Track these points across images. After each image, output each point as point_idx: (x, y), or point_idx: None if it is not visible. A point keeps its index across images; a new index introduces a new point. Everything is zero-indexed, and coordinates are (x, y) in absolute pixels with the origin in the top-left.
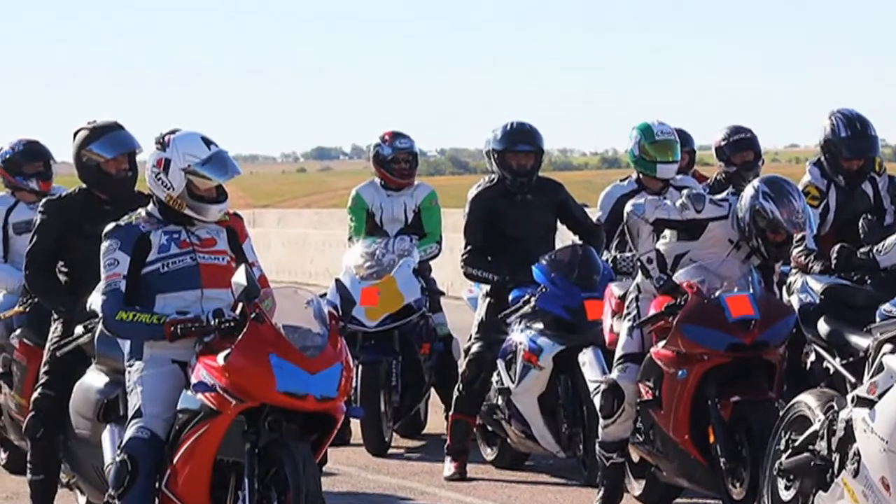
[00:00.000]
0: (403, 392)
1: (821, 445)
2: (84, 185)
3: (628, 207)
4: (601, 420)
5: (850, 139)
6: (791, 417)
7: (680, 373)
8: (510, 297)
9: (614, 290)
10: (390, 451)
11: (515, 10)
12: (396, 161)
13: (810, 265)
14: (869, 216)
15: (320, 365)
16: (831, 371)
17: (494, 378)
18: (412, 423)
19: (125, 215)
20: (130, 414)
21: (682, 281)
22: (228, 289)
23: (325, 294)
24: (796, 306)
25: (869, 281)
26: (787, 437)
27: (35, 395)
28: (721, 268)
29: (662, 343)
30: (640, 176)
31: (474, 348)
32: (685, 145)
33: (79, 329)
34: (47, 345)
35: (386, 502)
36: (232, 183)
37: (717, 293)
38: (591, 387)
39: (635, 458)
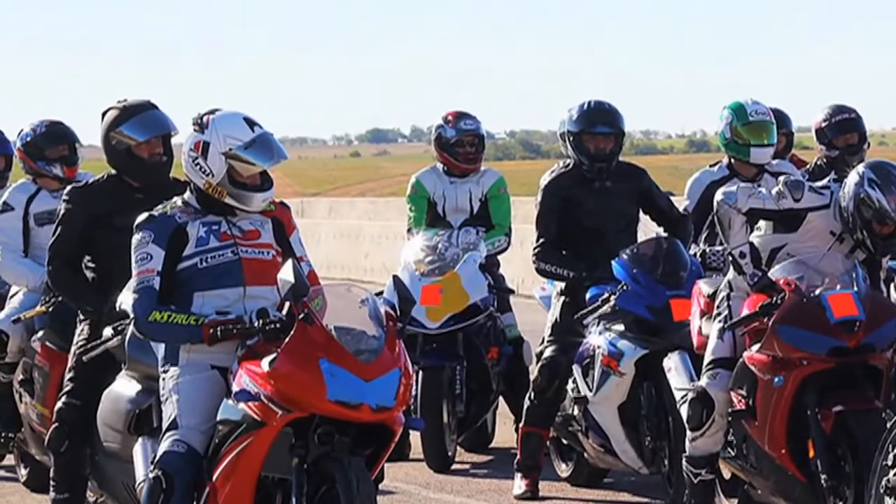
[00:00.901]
0: (468, 401)
1: None
2: (113, 171)
3: (719, 196)
4: (688, 432)
5: None
6: None
7: (776, 380)
8: (587, 296)
9: (703, 287)
10: (454, 466)
11: None
12: (461, 144)
13: None
14: None
15: (376, 371)
16: None
17: (570, 385)
18: (478, 436)
19: (159, 204)
20: (165, 425)
21: (778, 277)
22: (274, 286)
23: (381, 292)
24: None
25: None
26: (895, 451)
27: (59, 404)
28: (822, 263)
29: (757, 347)
30: (732, 161)
31: (547, 352)
32: (782, 127)
33: (107, 331)
34: (72, 349)
35: None
36: (278, 169)
37: (817, 291)
38: (678, 395)
39: (726, 474)
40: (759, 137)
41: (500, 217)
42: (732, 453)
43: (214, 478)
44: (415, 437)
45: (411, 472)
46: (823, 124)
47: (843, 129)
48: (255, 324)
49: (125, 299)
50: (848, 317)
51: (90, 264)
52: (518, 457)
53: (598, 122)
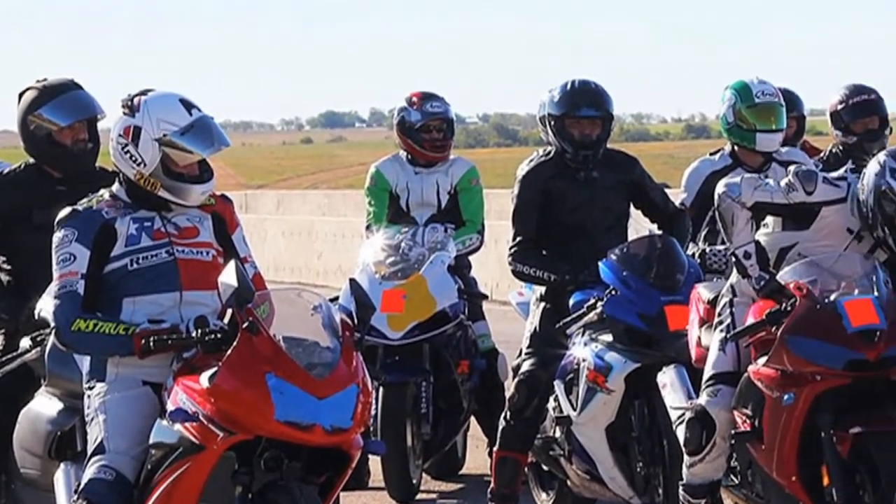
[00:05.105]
0: (436, 421)
1: None
2: (32, 160)
3: (720, 188)
4: (686, 457)
5: None
6: None
7: (786, 397)
8: (571, 302)
9: (702, 292)
10: (419, 496)
11: None
12: (427, 129)
13: None
14: None
15: (330, 387)
16: None
17: (551, 404)
18: (447, 461)
19: (84, 198)
20: (90, 449)
21: (788, 281)
22: (214, 291)
23: (336, 298)
24: None
25: None
26: None
27: None
28: (838, 264)
29: (763, 360)
30: (736, 148)
31: (525, 366)
32: (792, 110)
33: (24, 342)
34: None
35: None
36: (219, 157)
37: (832, 297)
38: (674, 415)
39: None
40: (767, 122)
41: (472, 212)
42: (736, 481)
43: None
44: (374, 463)
45: (370, 503)
46: (839, 107)
47: (862, 112)
48: (193, 334)
49: (45, 306)
50: (867, 326)
51: (5, 266)
52: (492, 485)
53: (584, 104)
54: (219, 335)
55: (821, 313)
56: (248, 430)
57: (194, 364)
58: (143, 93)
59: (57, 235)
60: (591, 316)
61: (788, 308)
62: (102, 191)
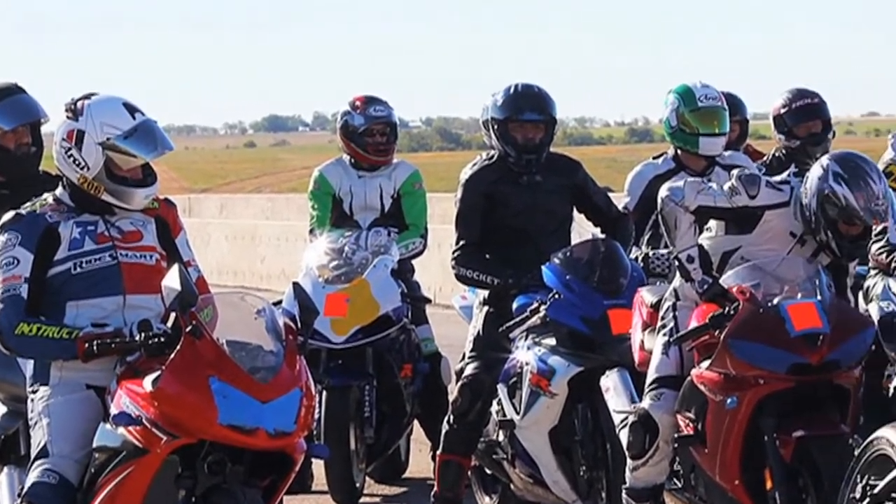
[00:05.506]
0: (379, 425)
1: None
2: None
3: (663, 192)
4: (629, 461)
5: None
6: (869, 457)
7: (729, 401)
8: (514, 306)
9: (645, 296)
10: (363, 499)
11: None
12: (370, 133)
13: (894, 265)
14: None
15: (274, 391)
16: None
17: (494, 408)
18: (390, 465)
19: (27, 201)
20: (34, 453)
21: (731, 285)
22: (157, 295)
23: (279, 301)
24: (876, 317)
25: None
26: (864, 481)
27: None
28: (781, 268)
29: (706, 363)
30: (679, 152)
31: (468, 370)
32: (735, 114)
33: None
34: None
35: None
36: (162, 161)
37: (775, 300)
38: (617, 419)
39: None
40: (710, 125)
41: (415, 216)
42: (679, 485)
43: None
44: (318, 466)
45: None
46: (783, 111)
47: (805, 116)
48: (137, 337)
49: None
50: (810, 329)
51: None
52: (435, 488)
53: (526, 107)
54: (162, 339)
55: (764, 317)
56: (192, 433)
57: (138, 368)
58: (87, 97)
59: (0, 239)
60: (535, 320)
61: (732, 312)
62: (46, 195)
